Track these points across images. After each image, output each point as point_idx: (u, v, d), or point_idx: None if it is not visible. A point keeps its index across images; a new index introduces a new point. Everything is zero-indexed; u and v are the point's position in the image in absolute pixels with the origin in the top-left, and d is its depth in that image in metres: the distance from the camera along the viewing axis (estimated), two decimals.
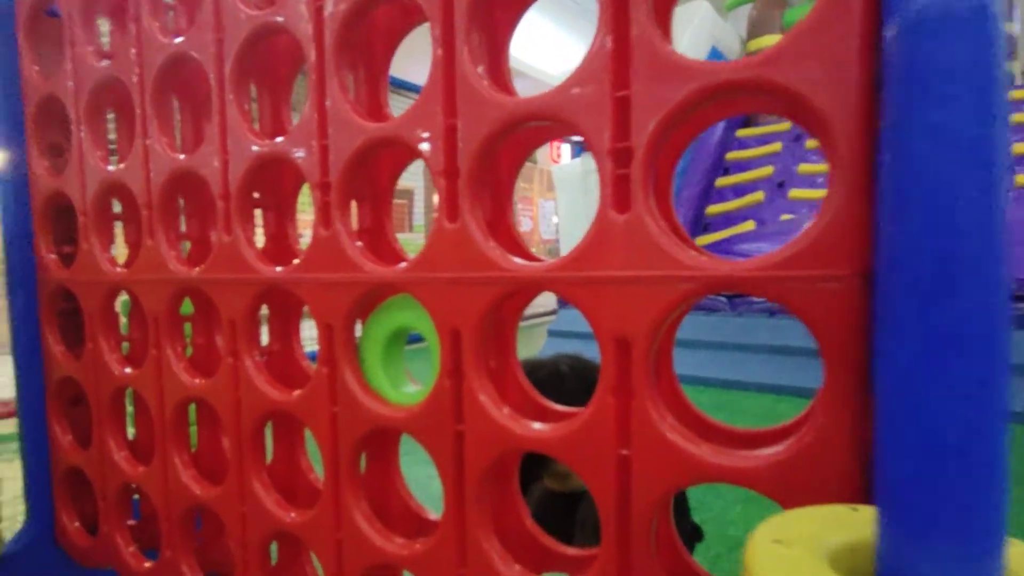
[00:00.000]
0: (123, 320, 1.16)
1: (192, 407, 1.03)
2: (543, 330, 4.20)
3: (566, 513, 0.91)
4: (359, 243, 0.75)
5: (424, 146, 0.67)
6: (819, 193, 3.61)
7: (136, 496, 1.14)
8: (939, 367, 0.27)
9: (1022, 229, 1.60)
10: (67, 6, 1.00)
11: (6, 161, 1.08)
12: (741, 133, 4.36)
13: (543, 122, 0.63)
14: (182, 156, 0.90)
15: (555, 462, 0.84)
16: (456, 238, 0.65)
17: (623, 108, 0.54)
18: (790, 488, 0.48)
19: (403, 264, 0.72)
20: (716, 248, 3.56)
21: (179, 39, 0.88)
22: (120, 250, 1.13)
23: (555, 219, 7.53)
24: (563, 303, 4.21)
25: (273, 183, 0.98)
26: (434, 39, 0.65)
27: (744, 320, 3.44)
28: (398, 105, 0.74)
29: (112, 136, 1.09)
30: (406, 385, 0.80)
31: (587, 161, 4.23)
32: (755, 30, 4.57)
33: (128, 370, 1.02)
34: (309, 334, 0.94)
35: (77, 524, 1.14)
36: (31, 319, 1.11)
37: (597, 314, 0.57)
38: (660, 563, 0.58)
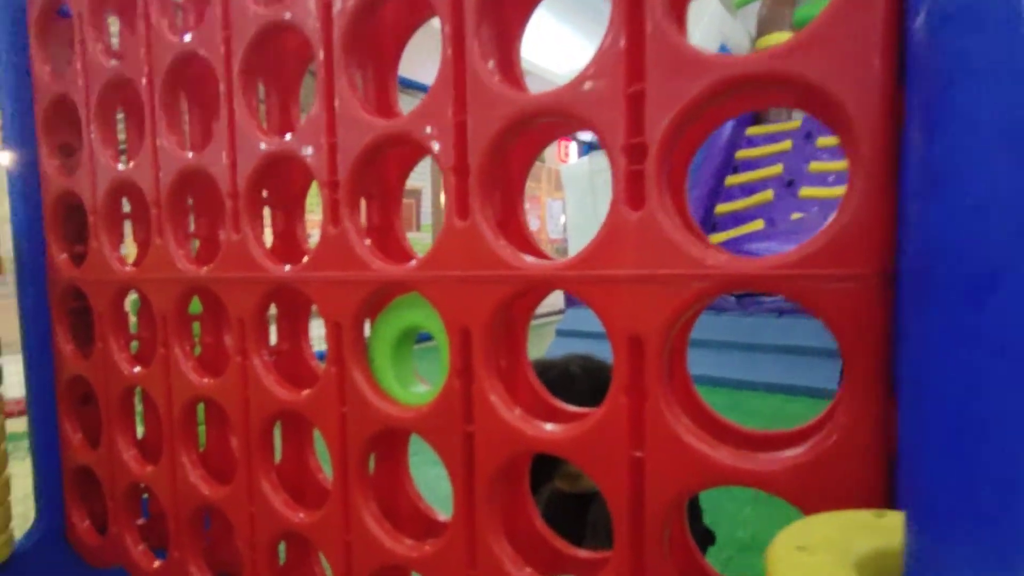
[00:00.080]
0: (132, 319, 1.16)
1: (201, 406, 1.02)
2: (551, 329, 4.19)
3: (576, 514, 0.90)
4: (368, 241, 0.75)
5: (434, 143, 0.66)
6: (830, 191, 3.58)
7: (145, 495, 1.14)
8: (977, 366, 0.25)
9: None
10: (77, 6, 1.00)
11: (17, 161, 1.08)
12: (751, 131, 4.33)
13: (554, 118, 0.62)
14: (191, 154, 0.90)
15: (566, 463, 0.83)
16: (466, 236, 0.64)
17: (637, 103, 0.53)
18: (810, 492, 0.47)
19: (412, 262, 0.71)
20: (725, 247, 3.53)
21: (187, 37, 0.87)
22: (130, 249, 1.13)
23: (563, 218, 7.52)
24: (571, 302, 4.20)
25: (281, 181, 0.97)
26: (443, 34, 0.65)
27: (753, 320, 3.41)
28: (406, 106, 0.73)
29: (122, 136, 1.09)
30: (415, 385, 0.79)
31: (595, 160, 4.22)
32: (764, 27, 4.54)
33: (137, 369, 1.02)
34: (318, 333, 0.93)
35: (87, 523, 1.14)
36: (41, 318, 1.11)
37: (610, 313, 0.56)
38: (673, 565, 0.57)
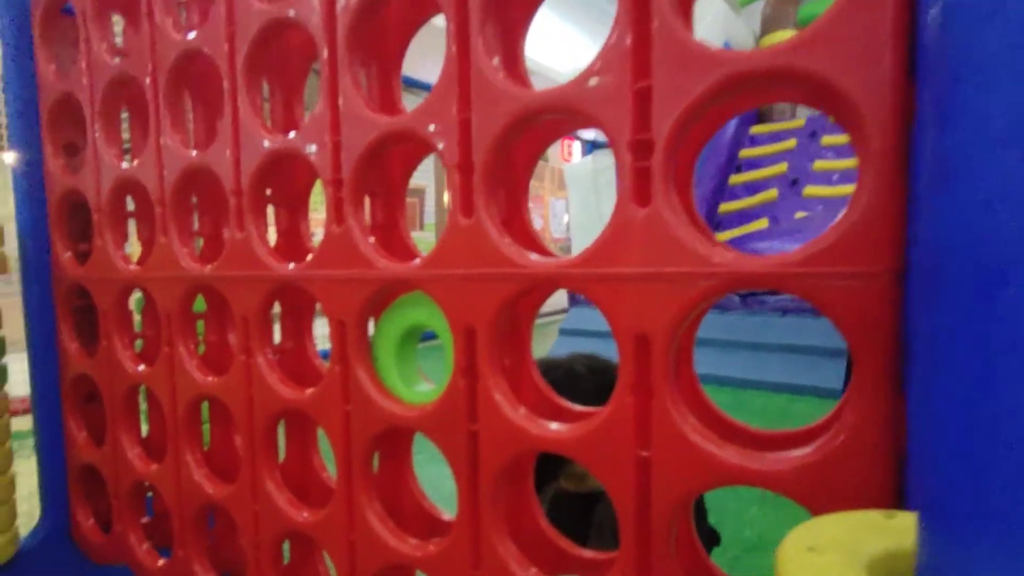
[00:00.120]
0: (137, 318, 1.16)
1: (205, 405, 1.02)
2: (554, 328, 4.18)
3: (581, 514, 0.90)
4: (372, 239, 0.74)
5: (438, 140, 0.66)
6: (835, 190, 3.56)
7: (150, 494, 1.14)
8: (989, 362, 0.25)
9: None
10: (81, 4, 1.00)
11: (22, 159, 1.08)
12: (755, 130, 4.31)
13: (559, 115, 0.61)
14: (195, 153, 0.90)
15: (572, 463, 0.83)
16: (471, 234, 0.64)
17: (643, 99, 0.52)
18: (818, 492, 0.46)
19: (416, 260, 0.71)
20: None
21: (191, 34, 0.87)
22: (134, 248, 1.13)
23: (566, 217, 7.51)
24: (574, 301, 4.19)
25: (285, 179, 0.97)
26: (448, 31, 0.64)
27: (757, 319, 3.40)
28: (409, 105, 0.72)
29: (126, 136, 1.09)
30: (419, 384, 0.79)
31: (598, 159, 4.21)
32: (768, 26, 4.52)
33: (141, 367, 1.02)
34: (322, 332, 0.93)
35: (91, 521, 1.14)
36: (46, 316, 1.11)
37: (616, 311, 0.56)
38: (680, 565, 0.56)
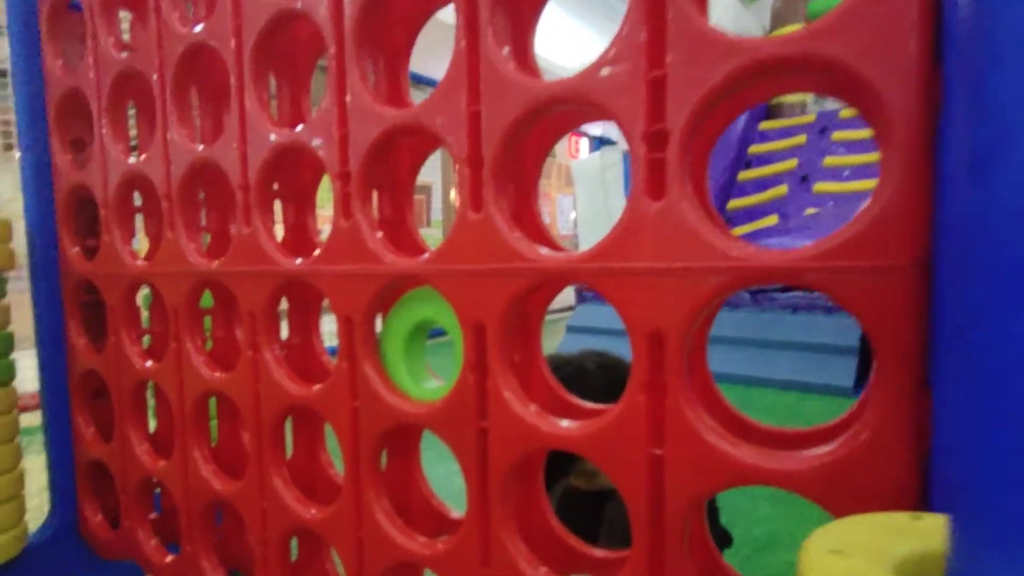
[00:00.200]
0: (145, 314, 1.16)
1: (212, 401, 1.02)
2: (561, 326, 4.17)
3: (591, 512, 0.89)
4: (380, 234, 0.74)
5: (447, 134, 0.65)
6: (845, 186, 3.52)
7: (158, 490, 1.14)
8: (1021, 356, 0.24)
9: None
10: None
11: (30, 155, 1.08)
12: (764, 126, 4.27)
13: (571, 106, 0.60)
14: (201, 147, 0.90)
15: (582, 460, 0.82)
16: (480, 228, 0.63)
17: (658, 88, 0.51)
18: (839, 492, 0.45)
19: (425, 255, 0.70)
20: None
21: (198, 28, 0.87)
22: (142, 243, 1.13)
23: (573, 214, 7.48)
24: (581, 298, 4.17)
25: (292, 173, 0.96)
26: (457, 22, 0.63)
27: (767, 316, 3.36)
28: (417, 101, 0.71)
29: (133, 132, 1.08)
30: (428, 380, 0.78)
31: (606, 155, 4.19)
32: (778, 20, 4.47)
33: (149, 363, 1.02)
34: (329, 328, 0.92)
35: (100, 517, 1.14)
36: (55, 312, 1.11)
37: (628, 307, 0.55)
38: (693, 565, 0.55)
